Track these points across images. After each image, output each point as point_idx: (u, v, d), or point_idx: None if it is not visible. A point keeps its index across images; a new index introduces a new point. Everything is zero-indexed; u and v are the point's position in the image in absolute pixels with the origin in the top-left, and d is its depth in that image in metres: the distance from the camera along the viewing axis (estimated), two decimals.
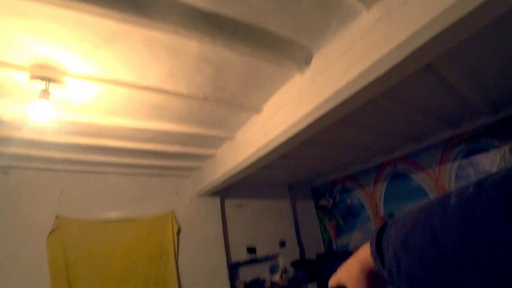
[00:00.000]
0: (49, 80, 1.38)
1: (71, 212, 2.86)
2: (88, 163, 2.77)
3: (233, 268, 3.83)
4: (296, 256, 4.39)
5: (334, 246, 4.77)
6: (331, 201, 4.84)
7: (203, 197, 3.68)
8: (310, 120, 1.54)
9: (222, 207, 3.88)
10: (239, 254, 3.89)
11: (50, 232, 2.71)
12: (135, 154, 2.67)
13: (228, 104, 1.77)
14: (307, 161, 3.49)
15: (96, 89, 1.54)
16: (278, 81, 1.65)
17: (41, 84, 1.39)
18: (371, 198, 4.08)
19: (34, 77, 1.36)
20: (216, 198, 3.80)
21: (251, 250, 4.01)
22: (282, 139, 1.77)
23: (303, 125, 1.57)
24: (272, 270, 4.06)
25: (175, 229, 3.32)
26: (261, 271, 4.12)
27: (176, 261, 3.22)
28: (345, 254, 3.69)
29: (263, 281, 3.90)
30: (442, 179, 3.20)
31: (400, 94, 2.01)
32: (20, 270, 2.54)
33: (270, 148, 1.93)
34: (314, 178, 5.02)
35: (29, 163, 2.67)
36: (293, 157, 3.15)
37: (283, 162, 3.25)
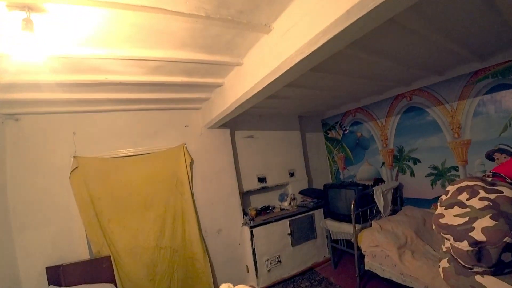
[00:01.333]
0: (29, 8, 1.19)
1: (87, 152, 2.94)
2: (94, 102, 2.72)
3: (244, 196, 4.05)
4: (305, 185, 4.58)
5: (341, 177, 4.93)
6: (341, 132, 4.83)
7: (213, 129, 3.68)
8: (328, 37, 1.34)
9: (232, 138, 3.90)
10: (250, 184, 4.08)
11: (71, 172, 2.84)
12: (140, 88, 2.57)
13: (234, 23, 1.55)
14: (318, 92, 3.31)
15: (83, 15, 1.33)
16: None
17: (22, 14, 1.21)
18: (382, 130, 4.01)
19: (13, 6, 1.17)
20: (226, 130, 3.81)
21: (262, 179, 4.19)
22: (295, 61, 1.57)
23: (321, 42, 1.37)
24: (282, 198, 4.30)
25: (188, 161, 3.41)
26: (271, 199, 4.38)
27: (191, 191, 3.41)
28: (351, 184, 3.80)
29: (273, 208, 4.17)
30: (459, 115, 3.04)
31: (432, 16, 1.73)
32: (54, 208, 2.77)
33: (280, 72, 1.76)
34: (324, 110, 4.91)
35: (37, 108, 2.65)
36: (304, 87, 2.97)
37: (294, 92, 3.10)
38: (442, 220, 0.98)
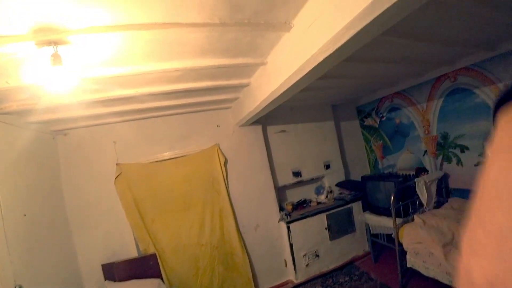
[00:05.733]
0: (55, 43, 1.28)
1: (127, 158, 3.16)
2: (129, 112, 2.87)
3: (280, 191, 4.04)
4: (341, 177, 4.43)
5: (380, 167, 4.67)
6: (378, 120, 4.55)
7: (244, 127, 3.69)
8: (353, 32, 1.23)
9: (264, 134, 3.88)
10: (286, 178, 4.06)
11: (116, 178, 3.07)
12: (169, 96, 2.65)
13: (251, 25, 1.50)
14: (351, 80, 3.13)
15: (105, 40, 1.40)
16: None
17: (50, 49, 1.30)
18: (424, 116, 3.70)
19: (40, 43, 1.26)
20: (258, 127, 3.80)
21: (297, 173, 4.14)
22: (319, 59, 1.49)
23: (345, 38, 1.26)
24: (318, 191, 4.21)
25: (222, 161, 3.49)
26: (307, 192, 4.31)
27: (227, 189, 3.49)
28: (391, 175, 3.58)
29: (310, 201, 4.11)
30: None
31: None
32: (104, 211, 3.04)
33: (305, 71, 1.68)
34: (359, 97, 4.64)
35: (81, 122, 2.90)
36: (335, 77, 2.82)
37: (325, 83, 2.96)
38: None
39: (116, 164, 3.09)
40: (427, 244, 2.53)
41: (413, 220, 2.96)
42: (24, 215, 2.21)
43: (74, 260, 2.86)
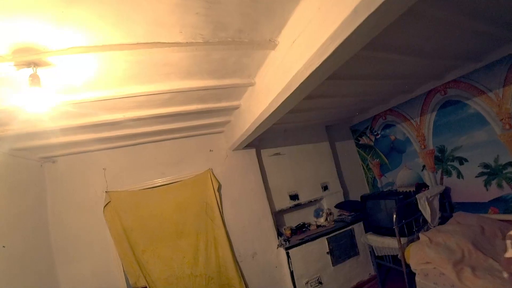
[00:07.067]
0: (34, 64, 1.25)
1: (117, 186, 3.06)
2: (118, 138, 2.81)
3: (277, 216, 3.90)
4: (340, 198, 4.32)
5: (379, 185, 4.58)
6: (373, 138, 4.53)
7: (238, 151, 3.63)
8: (337, 43, 1.21)
9: (259, 158, 3.82)
10: (282, 202, 3.94)
11: (105, 206, 2.95)
12: (159, 120, 2.60)
13: (236, 44, 1.49)
14: (341, 100, 3.13)
15: (85, 61, 1.37)
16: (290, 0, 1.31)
17: (29, 71, 1.26)
18: (418, 131, 3.69)
19: (20, 64, 1.23)
20: (252, 150, 3.74)
21: (294, 197, 4.02)
22: (305, 75, 1.46)
23: (331, 49, 1.24)
24: (317, 214, 4.07)
25: (215, 186, 3.38)
26: (306, 216, 4.17)
27: (222, 215, 3.35)
28: (391, 193, 3.48)
29: (309, 225, 3.96)
30: (507, 103, 2.67)
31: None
32: (92, 241, 2.89)
33: (292, 89, 1.65)
34: (352, 116, 4.65)
35: (69, 149, 2.82)
36: (325, 97, 2.82)
37: (315, 103, 2.97)
38: None
39: (106, 191, 2.97)
40: (436, 264, 2.37)
41: (418, 238, 2.81)
42: (3, 246, 2.06)
43: None
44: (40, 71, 1.28)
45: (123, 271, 2.92)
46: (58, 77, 1.46)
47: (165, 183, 3.27)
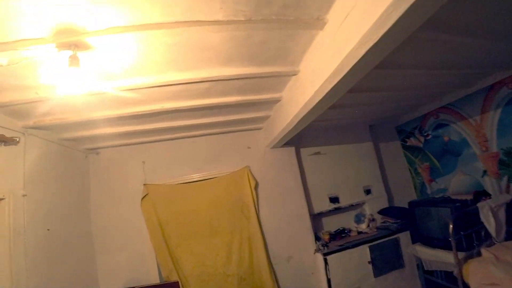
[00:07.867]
0: (75, 46, 1.25)
1: (155, 179, 3.10)
2: (157, 131, 2.83)
3: (315, 219, 3.69)
4: (384, 203, 3.97)
5: (429, 191, 4.13)
6: (422, 139, 4.12)
7: (276, 149, 3.50)
8: (403, 8, 1.00)
9: (298, 156, 3.65)
10: (322, 205, 3.73)
11: (142, 199, 3.00)
12: (197, 113, 2.57)
13: (280, 22, 1.37)
14: (388, 94, 2.85)
15: (123, 43, 1.35)
16: None
17: (70, 53, 1.27)
18: (478, 131, 3.25)
19: (61, 46, 1.24)
20: (291, 148, 3.58)
21: (334, 199, 3.79)
22: (360, 53, 1.28)
23: (393, 18, 1.04)
24: (358, 219, 3.78)
25: (253, 184, 3.28)
26: (346, 221, 3.91)
27: (258, 215, 3.23)
28: (445, 200, 3.09)
29: (349, 231, 3.69)
30: None
31: None
32: (129, 233, 2.97)
33: (343, 73, 1.47)
34: (398, 115, 4.28)
35: (112, 141, 2.92)
36: (370, 90, 2.58)
37: (360, 98, 2.75)
38: None
39: (144, 184, 3.03)
40: (505, 286, 2.01)
41: (480, 254, 2.44)
42: (48, 229, 2.15)
43: (94, 282, 2.76)
44: (80, 54, 1.28)
45: (157, 264, 2.94)
46: (98, 62, 1.45)
47: (201, 178, 3.25)
